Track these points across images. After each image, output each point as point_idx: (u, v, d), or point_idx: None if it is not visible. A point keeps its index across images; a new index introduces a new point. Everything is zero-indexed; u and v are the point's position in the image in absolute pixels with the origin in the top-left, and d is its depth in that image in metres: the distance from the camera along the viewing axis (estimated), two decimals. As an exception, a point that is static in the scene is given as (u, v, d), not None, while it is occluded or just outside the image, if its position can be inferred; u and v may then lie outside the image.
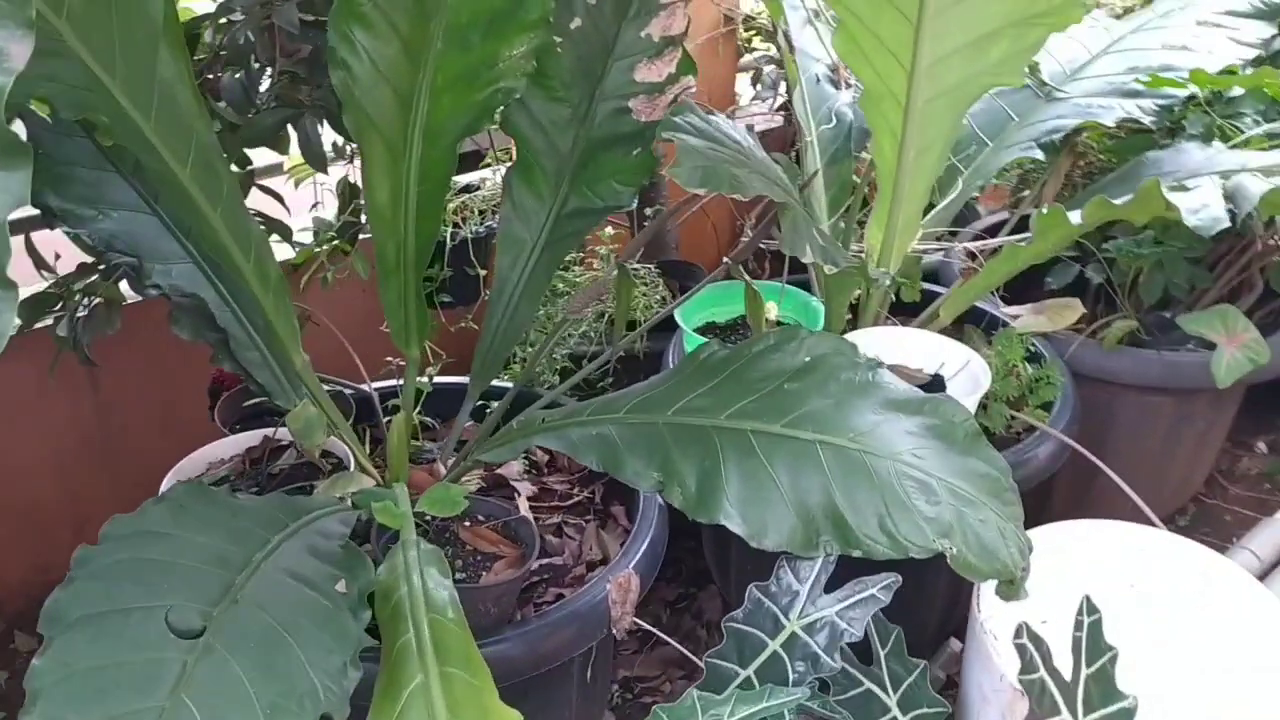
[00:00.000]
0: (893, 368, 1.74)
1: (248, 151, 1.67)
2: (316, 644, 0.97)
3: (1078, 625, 1.25)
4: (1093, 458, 1.62)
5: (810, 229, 1.26)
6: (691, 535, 2.01)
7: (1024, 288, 2.04)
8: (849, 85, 2.00)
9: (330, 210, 2.00)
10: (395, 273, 1.44)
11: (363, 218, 1.75)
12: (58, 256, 1.61)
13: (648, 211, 2.23)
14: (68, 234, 1.39)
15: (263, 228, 1.81)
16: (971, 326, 1.87)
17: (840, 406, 1.23)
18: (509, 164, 1.55)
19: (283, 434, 1.51)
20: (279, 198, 1.82)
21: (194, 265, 1.40)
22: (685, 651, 1.52)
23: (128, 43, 1.15)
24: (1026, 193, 2.33)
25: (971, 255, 1.85)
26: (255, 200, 1.77)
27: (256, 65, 1.57)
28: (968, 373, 1.67)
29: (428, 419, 1.78)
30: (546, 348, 1.67)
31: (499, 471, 1.69)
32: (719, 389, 1.29)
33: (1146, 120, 1.82)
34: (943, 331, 1.79)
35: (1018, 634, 1.22)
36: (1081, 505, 2.15)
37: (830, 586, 1.22)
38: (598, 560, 1.55)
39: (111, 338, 1.62)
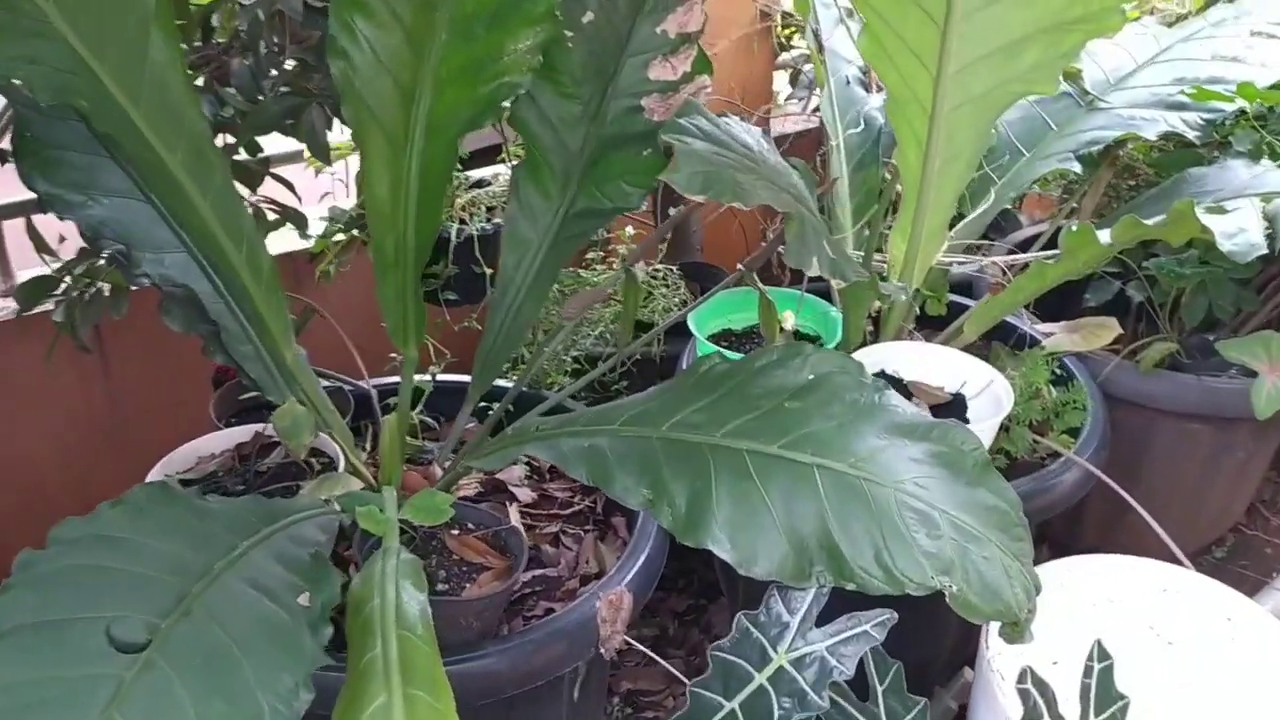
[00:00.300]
0: (911, 385, 1.69)
1: (267, 138, 1.65)
2: (269, 662, 0.93)
3: (1087, 671, 1.18)
4: (1117, 488, 1.54)
5: (818, 240, 1.19)
6: (703, 546, 1.96)
7: (1061, 303, 1.96)
8: (880, 89, 1.92)
9: (345, 199, 1.98)
10: (393, 269, 1.40)
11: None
12: (62, 239, 1.59)
13: (671, 211, 2.17)
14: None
15: (276, 216, 1.80)
16: (999, 344, 1.79)
17: (842, 429, 1.17)
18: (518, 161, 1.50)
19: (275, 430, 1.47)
20: (290, 186, 1.79)
21: (187, 255, 1.37)
22: (675, 671, 1.47)
23: (118, 26, 1.12)
24: (1072, 203, 2.24)
25: (1002, 269, 1.77)
26: (271, 188, 1.75)
27: (265, 51, 1.54)
28: (990, 394, 1.60)
29: (430, 418, 1.74)
30: (549, 350, 1.62)
31: (499, 476, 1.64)
32: (717, 405, 1.23)
33: (1191, 135, 1.73)
34: (968, 348, 1.71)
35: (1021, 678, 1.15)
36: (1114, 532, 2.08)
37: (823, 620, 1.15)
38: (593, 573, 1.50)
39: (122, 323, 1.60)
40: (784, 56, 2.63)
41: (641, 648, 1.43)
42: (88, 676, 0.82)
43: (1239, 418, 1.92)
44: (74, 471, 1.96)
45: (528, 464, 1.69)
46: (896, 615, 1.15)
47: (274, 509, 1.20)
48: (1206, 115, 1.74)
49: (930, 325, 1.90)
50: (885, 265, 1.74)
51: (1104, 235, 1.35)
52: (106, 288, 1.59)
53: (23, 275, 1.80)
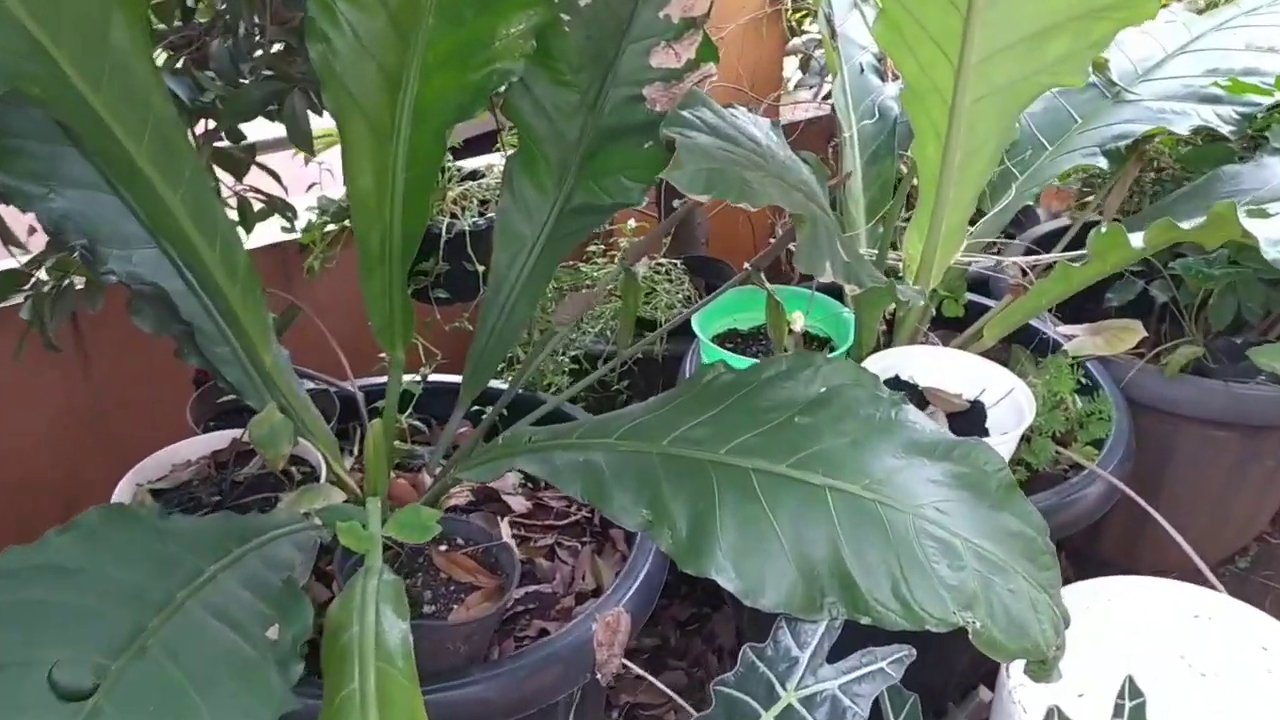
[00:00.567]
0: (927, 392, 1.60)
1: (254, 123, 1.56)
2: (231, 705, 0.85)
3: (1118, 710, 1.10)
4: (1144, 504, 1.46)
5: (832, 242, 1.11)
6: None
7: (1081, 302, 1.87)
8: (896, 77, 1.83)
9: (334, 188, 1.89)
10: (379, 265, 1.32)
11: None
12: (32, 231, 1.51)
13: (675, 203, 2.09)
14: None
15: (263, 206, 1.72)
16: (1019, 347, 1.70)
17: (856, 447, 1.09)
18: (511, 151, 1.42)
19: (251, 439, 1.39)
20: (276, 176, 1.70)
21: (158, 250, 1.28)
22: (678, 699, 1.39)
23: (76, 6, 1.03)
24: (1091, 198, 2.15)
25: (1023, 271, 1.69)
26: (256, 177, 1.67)
27: (246, 33, 1.46)
28: (1010, 402, 1.51)
29: (421, 421, 1.66)
30: (541, 355, 1.54)
31: (492, 484, 1.56)
32: (721, 418, 1.15)
33: (1225, 129, 1.63)
34: (987, 352, 1.62)
35: (1047, 718, 1.07)
36: (1135, 542, 2.00)
37: (834, 654, 1.07)
38: (590, 590, 1.42)
39: (100, 317, 1.52)
40: (794, 41, 2.53)
41: (640, 671, 1.35)
42: (22, 730, 0.74)
43: (1267, 425, 1.85)
44: (59, 468, 1.89)
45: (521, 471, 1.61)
46: (915, 652, 1.06)
47: (246, 527, 1.12)
48: (1242, 109, 1.65)
49: (946, 326, 1.81)
50: (901, 264, 1.65)
51: (1136, 239, 1.26)
52: (80, 281, 1.51)
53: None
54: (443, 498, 1.45)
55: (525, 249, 1.41)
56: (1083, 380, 1.66)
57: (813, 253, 1.07)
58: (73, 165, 1.24)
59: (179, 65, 1.46)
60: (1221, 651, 1.31)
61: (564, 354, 1.82)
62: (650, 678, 1.45)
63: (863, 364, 1.56)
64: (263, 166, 1.65)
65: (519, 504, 1.55)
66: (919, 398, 1.56)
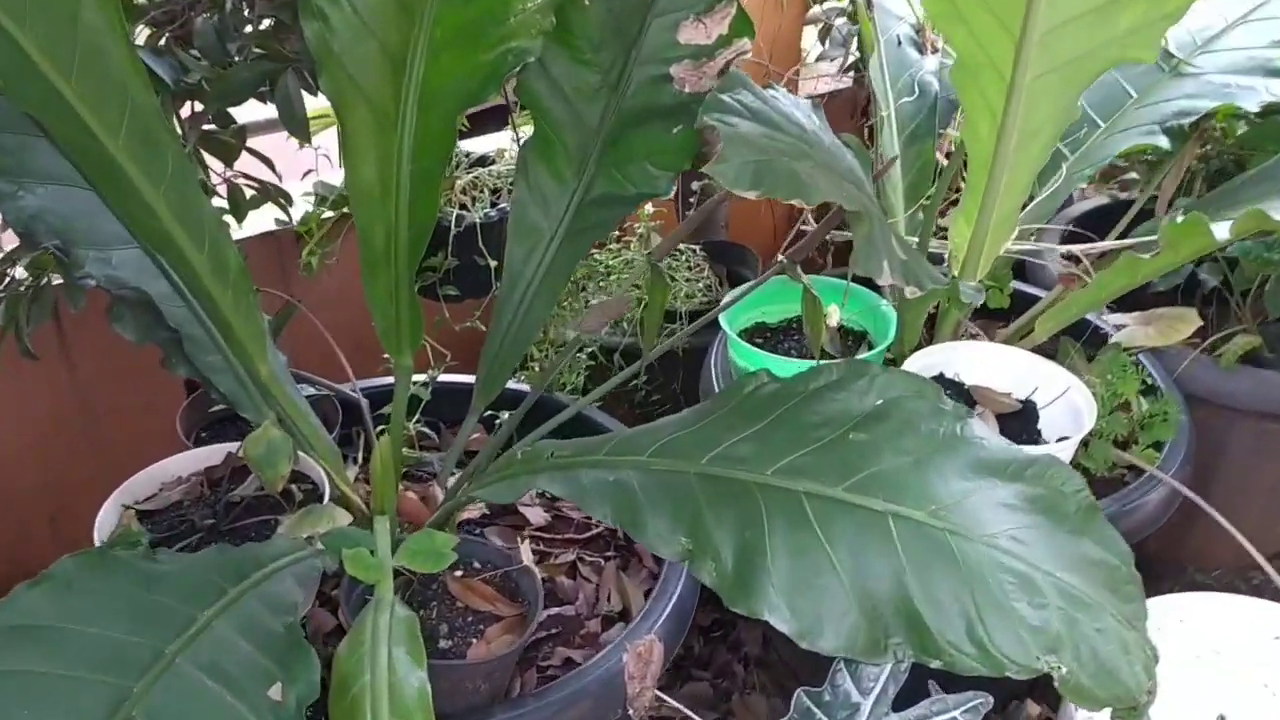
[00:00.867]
0: (974, 391, 1.49)
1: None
2: (227, 785, 0.75)
3: (1208, 754, 0.99)
4: (1209, 508, 1.35)
5: (887, 239, 0.99)
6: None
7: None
8: (935, 49, 1.71)
9: (331, 173, 1.77)
10: (384, 264, 1.21)
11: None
12: (3, 227, 1.39)
13: (694, 186, 1.97)
14: None
15: (255, 194, 1.60)
16: (1069, 340, 1.59)
17: (920, 468, 0.98)
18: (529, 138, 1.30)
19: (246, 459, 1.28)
20: (268, 162, 1.59)
21: (140, 251, 1.17)
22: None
23: (41, -17, 0.91)
24: (1132, 175, 2.03)
25: (1075, 259, 1.57)
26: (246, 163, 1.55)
27: (233, 8, 1.34)
28: (1066, 403, 1.40)
29: (431, 426, 1.55)
30: (565, 361, 1.42)
31: (507, 494, 1.45)
32: (767, 435, 1.04)
33: (1296, 105, 1.51)
34: (1036, 348, 1.51)
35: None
36: (1183, 541, 1.89)
37: (899, 702, 0.97)
38: (616, 613, 1.32)
39: (84, 317, 1.41)
40: (814, 10, 2.40)
41: (675, 704, 1.24)
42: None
43: (1328, 419, 1.74)
44: (44, 476, 1.78)
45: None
46: (991, 700, 0.96)
47: (243, 560, 1.01)
48: (1315, 82, 1.52)
49: (987, 317, 1.69)
50: (946, 254, 1.54)
51: (1221, 230, 1.14)
52: (60, 278, 1.39)
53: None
54: (455, 514, 1.34)
55: (542, 243, 1.29)
56: (1147, 381, 1.54)
57: (870, 253, 0.96)
58: (43, 157, 1.13)
59: (161, 43, 1.35)
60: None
61: (580, 352, 1.71)
62: (666, 698, 1.35)
63: (905, 362, 1.45)
64: (254, 152, 1.54)
65: (537, 516, 1.44)
66: (966, 398, 1.45)
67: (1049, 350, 1.56)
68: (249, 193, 1.58)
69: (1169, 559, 1.99)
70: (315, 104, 1.41)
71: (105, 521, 1.18)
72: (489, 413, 1.46)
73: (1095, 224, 1.89)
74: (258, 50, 1.36)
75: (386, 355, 1.45)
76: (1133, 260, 1.28)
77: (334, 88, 1.11)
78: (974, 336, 1.60)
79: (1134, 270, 1.30)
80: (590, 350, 1.74)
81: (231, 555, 1.01)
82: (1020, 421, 1.43)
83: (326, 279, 1.62)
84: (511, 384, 1.59)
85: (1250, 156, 1.69)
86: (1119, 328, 1.64)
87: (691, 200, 1.95)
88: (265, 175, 1.59)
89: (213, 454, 1.30)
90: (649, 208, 1.87)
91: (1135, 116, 1.58)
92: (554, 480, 1.11)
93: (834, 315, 1.51)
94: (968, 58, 1.27)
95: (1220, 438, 1.77)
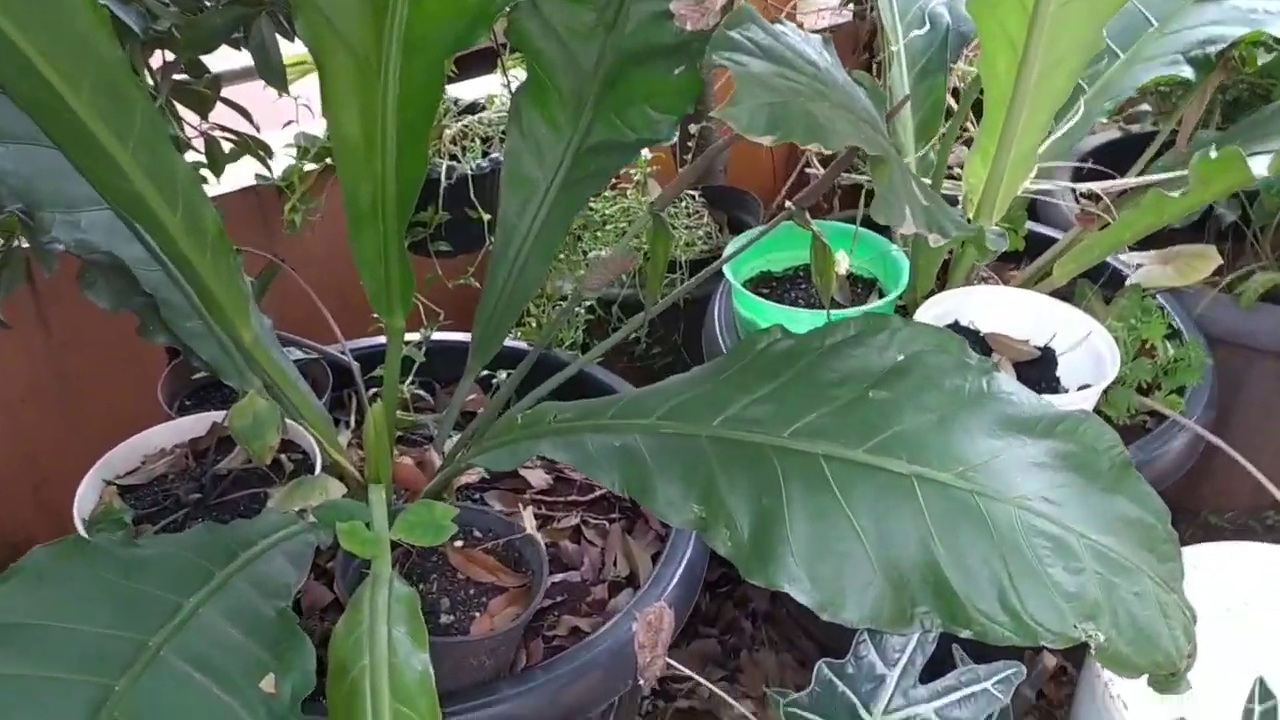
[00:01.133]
0: (990, 338, 1.43)
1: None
2: (219, 789, 0.70)
3: (1247, 716, 0.96)
4: (1241, 459, 1.31)
5: (908, 185, 0.93)
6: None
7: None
8: (946, -22, 1.62)
9: (313, 123, 1.69)
10: (371, 222, 1.13)
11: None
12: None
13: (692, 129, 1.89)
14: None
15: (234, 146, 1.53)
16: (1086, 282, 1.53)
17: (944, 426, 0.93)
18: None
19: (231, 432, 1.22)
20: (245, 112, 1.51)
21: (111, 213, 1.10)
22: (723, 695, 1.24)
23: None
24: (1144, 107, 1.96)
25: (1094, 197, 1.50)
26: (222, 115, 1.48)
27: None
28: (1087, 349, 1.34)
29: (426, 388, 1.49)
30: (564, 317, 1.36)
31: (506, 456, 1.40)
32: (782, 394, 0.98)
33: (1328, 32, 1.44)
34: (1053, 292, 1.45)
35: (1172, 732, 0.92)
36: (1196, 486, 1.85)
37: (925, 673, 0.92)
38: (623, 578, 1.27)
39: (59, 281, 1.34)
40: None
41: (687, 671, 1.20)
42: None
43: (1350, 357, 1.69)
44: (22, 448, 1.72)
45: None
46: (1025, 670, 0.91)
47: (231, 539, 0.96)
48: (1344, 8, 1.45)
49: (1001, 260, 1.63)
50: (961, 195, 1.47)
51: (1259, 166, 1.08)
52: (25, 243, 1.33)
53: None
54: (453, 480, 1.29)
55: (537, 194, 1.23)
56: (1172, 325, 1.49)
57: (891, 200, 0.90)
58: (6, 114, 1.05)
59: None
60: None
61: (578, 305, 1.65)
62: (673, 662, 1.30)
63: (918, 311, 1.39)
64: (230, 103, 1.46)
65: (538, 478, 1.39)
66: (982, 346, 1.40)
67: (1065, 294, 1.50)
68: (227, 146, 1.51)
69: (1184, 505, 1.95)
70: (293, 50, 1.33)
71: (85, 497, 1.12)
72: (486, 372, 1.41)
73: (1108, 160, 1.82)
74: (229, -4, 1.29)
75: (377, 315, 1.39)
76: (1160, 198, 1.22)
77: (311, 33, 1.03)
78: (987, 281, 1.54)
79: (1161, 209, 1.23)
80: (588, 304, 1.67)
81: (218, 534, 0.95)
82: (1039, 369, 1.38)
83: (311, 235, 1.55)
84: (509, 342, 1.53)
85: (1274, 86, 1.61)
86: (1136, 268, 1.57)
87: (690, 145, 1.88)
88: (243, 127, 1.52)
89: (197, 424, 1.24)
90: (646, 153, 1.79)
91: (1157, 46, 1.50)
92: (557, 446, 1.06)
93: (843, 262, 1.44)
94: (986, -14, 1.19)
95: (1238, 378, 1.72)
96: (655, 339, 1.82)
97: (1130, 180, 1.51)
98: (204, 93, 1.42)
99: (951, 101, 1.68)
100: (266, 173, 1.52)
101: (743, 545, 0.90)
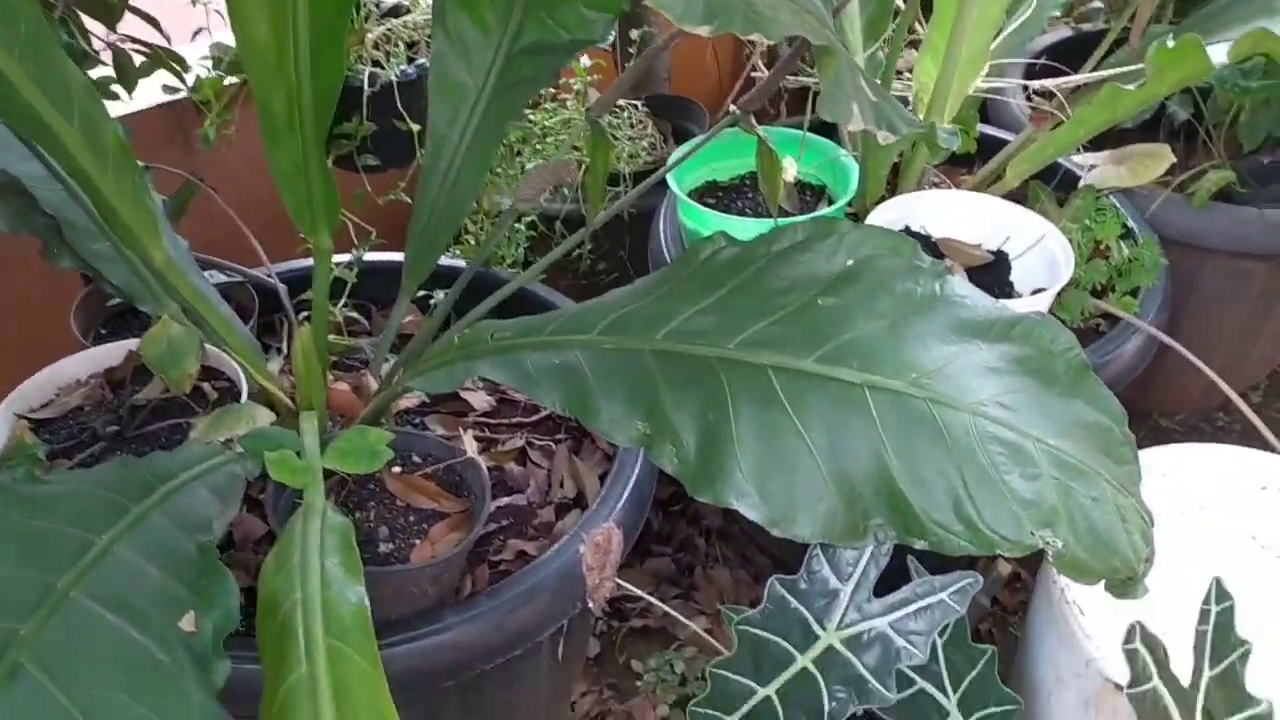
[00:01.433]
0: (942, 244, 1.40)
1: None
2: (136, 735, 0.66)
3: (1204, 617, 0.94)
4: (1196, 360, 1.29)
5: (855, 79, 0.88)
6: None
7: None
8: None
9: (228, 33, 1.60)
10: (287, 133, 1.06)
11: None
12: None
13: (633, 34, 1.82)
14: None
15: (145, 60, 1.45)
16: (1039, 184, 1.49)
17: (896, 332, 0.89)
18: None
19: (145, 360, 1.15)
20: (154, 21, 1.42)
21: (4, 128, 1.02)
22: (676, 614, 1.22)
23: None
24: (1097, 4, 1.91)
25: (1047, 95, 1.46)
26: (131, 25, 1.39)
27: None
28: (1040, 252, 1.31)
29: (361, 310, 1.43)
30: (500, 232, 1.30)
31: (447, 379, 1.35)
32: (727, 304, 0.94)
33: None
34: (1006, 195, 1.41)
35: (1129, 636, 0.91)
36: (1147, 388, 1.84)
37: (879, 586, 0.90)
38: (570, 499, 1.23)
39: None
40: None
41: (639, 592, 1.17)
42: None
43: (1301, 254, 1.68)
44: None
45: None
46: (980, 580, 0.89)
47: (148, 472, 0.90)
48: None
49: (951, 163, 1.59)
50: (911, 96, 1.42)
51: (1217, 53, 1.04)
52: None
53: None
54: (391, 405, 1.24)
55: (468, 102, 1.16)
56: (1126, 225, 1.46)
57: (837, 95, 0.84)
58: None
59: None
60: (1291, 525, 1.16)
61: (518, 221, 1.58)
62: (626, 584, 1.28)
63: (869, 217, 1.34)
64: (138, 11, 1.37)
65: (480, 401, 1.34)
66: (934, 251, 1.36)
67: (1018, 197, 1.46)
68: (137, 59, 1.43)
69: (1135, 408, 1.94)
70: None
71: (-5, 435, 1.06)
72: (422, 293, 1.35)
73: (1060, 59, 1.77)
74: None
75: (303, 234, 1.32)
76: (1115, 92, 1.17)
77: (210, -74, 0.95)
78: (938, 185, 1.50)
79: (1116, 103, 1.19)
80: (529, 220, 1.61)
81: (134, 468, 0.90)
82: (992, 274, 1.35)
83: (230, 151, 1.47)
84: (445, 260, 1.47)
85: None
86: (1089, 169, 1.54)
87: (631, 50, 1.81)
88: (154, 38, 1.44)
89: (112, 353, 1.17)
90: (585, 60, 1.71)
91: (1110, -64, 1.46)
92: (495, 366, 1.01)
93: (791, 169, 1.40)
94: None
95: (1190, 279, 1.70)
96: (599, 255, 1.76)
97: (1084, 76, 1.47)
98: (109, 2, 1.33)
99: (899, 1, 1.62)
100: (180, 85, 1.43)
101: (689, 462, 0.86)
